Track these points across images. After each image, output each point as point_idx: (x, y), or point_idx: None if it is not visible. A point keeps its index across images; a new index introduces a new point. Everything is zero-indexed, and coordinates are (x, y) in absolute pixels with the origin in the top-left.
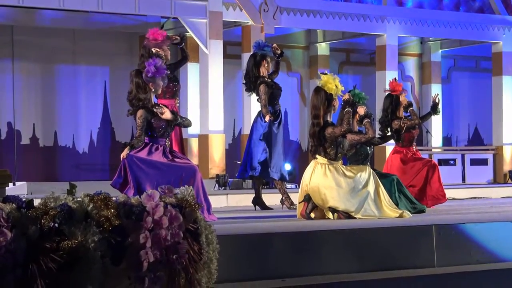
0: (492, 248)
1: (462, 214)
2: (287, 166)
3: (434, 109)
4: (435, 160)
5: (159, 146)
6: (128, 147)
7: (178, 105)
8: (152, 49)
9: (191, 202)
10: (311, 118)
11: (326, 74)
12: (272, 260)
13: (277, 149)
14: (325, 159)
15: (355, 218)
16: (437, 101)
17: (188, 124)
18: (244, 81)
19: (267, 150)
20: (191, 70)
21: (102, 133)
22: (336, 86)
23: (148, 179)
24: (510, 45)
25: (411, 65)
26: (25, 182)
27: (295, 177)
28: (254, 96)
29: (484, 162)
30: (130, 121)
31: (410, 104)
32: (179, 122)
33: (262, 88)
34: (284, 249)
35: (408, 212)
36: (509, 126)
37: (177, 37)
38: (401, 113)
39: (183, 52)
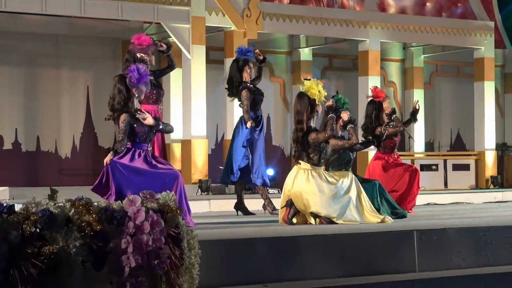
0: (473, 253)
1: (443, 219)
2: (270, 172)
3: (413, 116)
4: (416, 166)
5: (142, 152)
6: (111, 152)
7: (161, 110)
8: (137, 54)
9: (173, 208)
10: (294, 124)
11: (309, 79)
12: (254, 265)
13: (258, 155)
14: (308, 165)
15: (336, 223)
16: (417, 107)
17: (170, 130)
18: (227, 86)
19: (249, 156)
20: (174, 75)
21: (85, 138)
22: (319, 91)
23: (130, 186)
24: (492, 50)
25: (394, 71)
26: (7, 187)
27: (278, 182)
28: (236, 101)
29: (466, 167)
30: (113, 126)
31: (394, 111)
32: (161, 128)
33: (244, 93)
34: (266, 254)
35: (390, 218)
36: (491, 132)
37: (163, 44)
38: (384, 119)
39: (169, 60)
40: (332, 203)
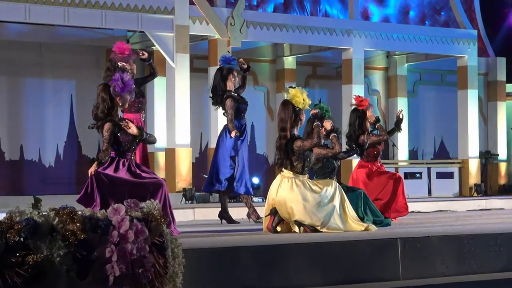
0: (457, 261)
1: (427, 227)
2: (255, 180)
3: (397, 125)
4: (400, 174)
5: (126, 161)
6: (96, 162)
7: (143, 119)
8: (119, 63)
9: (157, 216)
10: (278, 131)
11: (294, 87)
12: (238, 274)
13: (241, 163)
14: (292, 173)
15: (321, 231)
16: (401, 117)
17: (153, 141)
18: (211, 95)
19: (233, 166)
20: (158, 84)
21: (69, 147)
22: (303, 99)
23: (115, 196)
24: (475, 59)
25: (377, 79)
26: None
27: (262, 190)
28: (220, 110)
29: (450, 175)
30: (97, 135)
31: (378, 120)
32: (144, 138)
33: (228, 102)
34: (250, 263)
35: (374, 226)
36: (475, 140)
37: (144, 52)
38: (367, 127)
39: (151, 68)
40: (316, 212)
